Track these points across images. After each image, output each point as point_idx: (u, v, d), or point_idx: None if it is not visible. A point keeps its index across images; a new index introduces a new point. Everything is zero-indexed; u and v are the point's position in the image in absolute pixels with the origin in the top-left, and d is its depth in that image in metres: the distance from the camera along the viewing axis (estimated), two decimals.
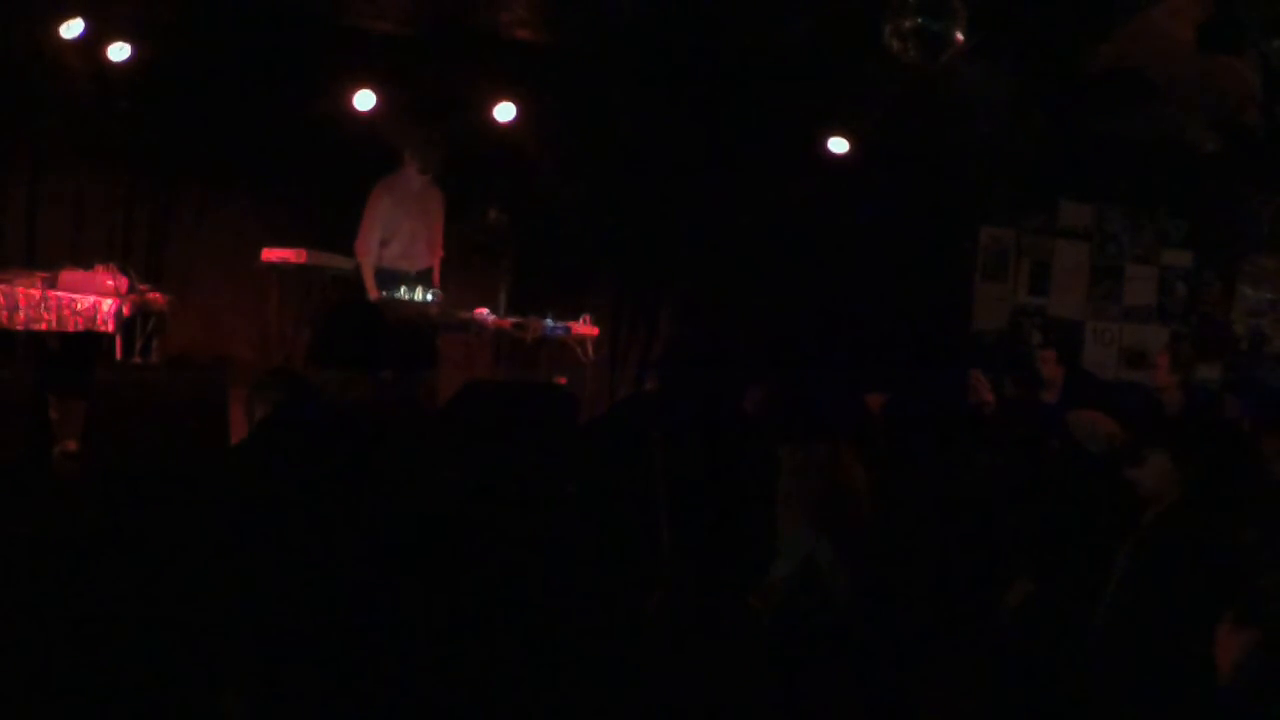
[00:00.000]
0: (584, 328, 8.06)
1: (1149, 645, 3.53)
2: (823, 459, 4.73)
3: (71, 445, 6.00)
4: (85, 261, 7.12)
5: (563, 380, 7.83)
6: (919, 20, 5.81)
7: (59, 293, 6.71)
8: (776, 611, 4.60)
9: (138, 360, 7.03)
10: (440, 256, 7.97)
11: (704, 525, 4.54)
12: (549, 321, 7.82)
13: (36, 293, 6.63)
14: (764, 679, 4.19)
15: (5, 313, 6.52)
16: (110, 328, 6.74)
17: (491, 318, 7.77)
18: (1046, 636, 4.18)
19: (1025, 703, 3.97)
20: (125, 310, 6.81)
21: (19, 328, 6.58)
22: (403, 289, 7.34)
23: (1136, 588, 3.66)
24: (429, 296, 7.42)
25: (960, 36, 5.81)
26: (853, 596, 4.62)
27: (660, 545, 4.55)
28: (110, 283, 6.85)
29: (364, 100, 8.13)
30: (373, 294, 7.37)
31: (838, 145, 8.71)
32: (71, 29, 7.39)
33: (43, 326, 6.64)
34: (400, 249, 7.67)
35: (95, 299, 6.74)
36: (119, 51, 7.64)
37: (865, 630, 4.50)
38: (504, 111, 8.42)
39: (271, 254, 7.49)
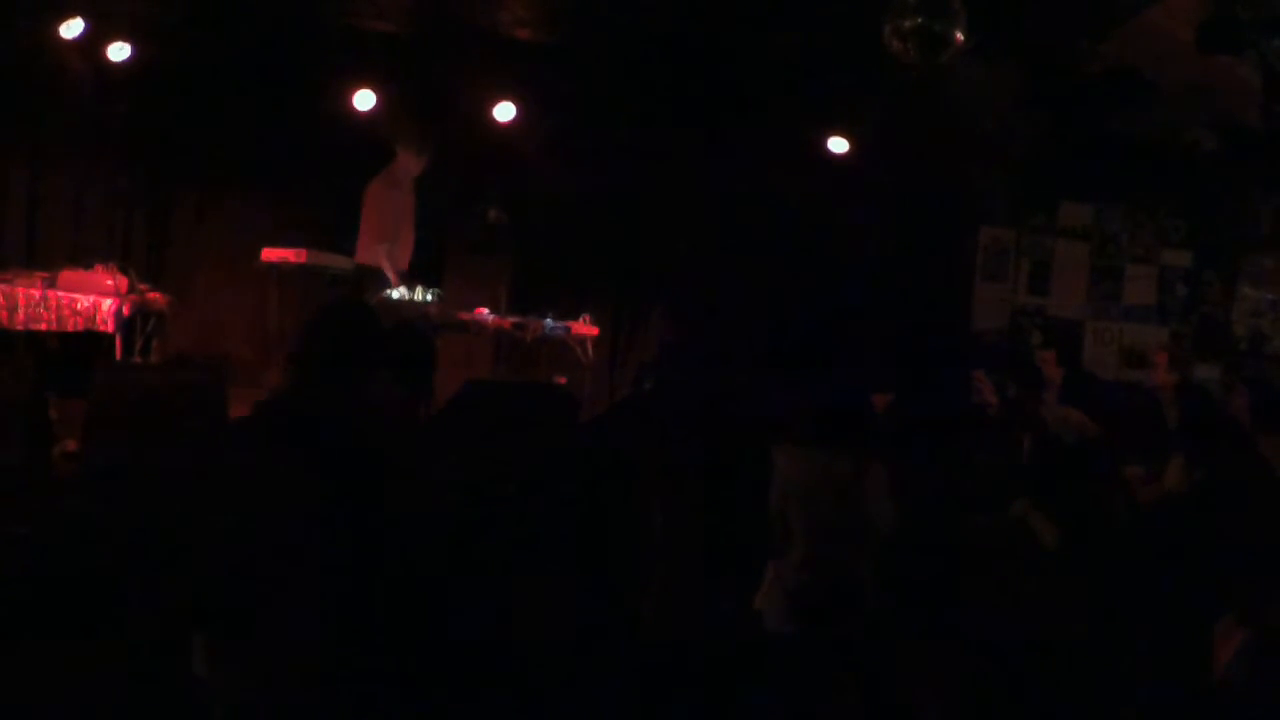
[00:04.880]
0: (584, 328, 8.05)
1: (1145, 639, 3.53)
2: (828, 461, 4.72)
3: (71, 445, 6.00)
4: (85, 261, 7.12)
5: (563, 380, 7.83)
6: (919, 20, 5.80)
7: (59, 293, 6.71)
8: (782, 614, 4.60)
9: (138, 360, 7.03)
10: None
11: (701, 525, 4.53)
12: (549, 321, 7.81)
13: (36, 293, 6.63)
14: (761, 680, 4.19)
15: (5, 313, 6.52)
16: (110, 328, 6.74)
17: (491, 318, 7.77)
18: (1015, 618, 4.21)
19: (1020, 695, 3.97)
20: (125, 310, 6.81)
21: (19, 328, 6.59)
22: (402, 289, 7.33)
23: (1135, 583, 3.66)
24: (429, 296, 7.41)
25: (960, 36, 5.80)
26: (861, 597, 4.61)
27: (657, 545, 4.55)
28: (110, 283, 6.85)
29: (364, 100, 8.13)
30: (395, 283, 7.35)
31: (838, 145, 8.71)
32: (71, 29, 7.39)
33: (43, 326, 6.64)
34: (394, 247, 7.66)
35: (95, 299, 6.74)
36: (119, 51, 7.64)
37: (873, 631, 4.50)
38: (504, 111, 8.42)
39: (271, 254, 7.49)
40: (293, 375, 2.89)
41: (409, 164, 7.58)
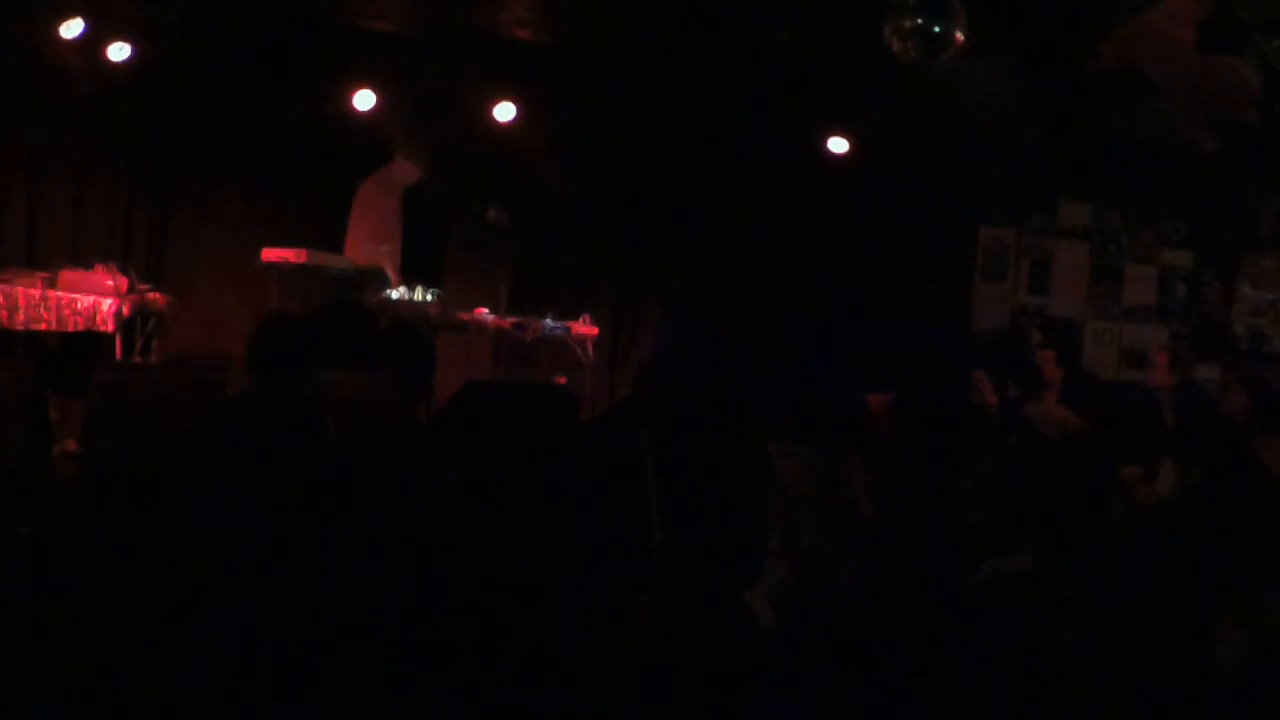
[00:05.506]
0: (584, 328, 8.06)
1: (1144, 640, 3.53)
2: (826, 460, 4.73)
3: (71, 445, 6.01)
4: (85, 261, 7.12)
5: (563, 380, 7.84)
6: (919, 20, 5.80)
7: (59, 293, 6.72)
8: (778, 611, 4.61)
9: (138, 360, 7.03)
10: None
11: (698, 524, 4.55)
12: (549, 321, 7.82)
13: (36, 293, 6.63)
14: (758, 677, 4.19)
15: (5, 313, 6.52)
16: (110, 328, 6.74)
17: (491, 318, 7.77)
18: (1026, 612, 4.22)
19: (1020, 694, 3.97)
20: (125, 310, 6.82)
21: (19, 328, 6.58)
22: (402, 289, 7.35)
23: (1133, 582, 3.66)
24: (429, 296, 7.42)
25: (960, 36, 5.80)
26: (855, 596, 4.62)
27: (655, 544, 4.56)
28: (110, 283, 6.85)
29: (364, 100, 8.14)
30: (396, 282, 7.37)
31: (838, 145, 8.70)
32: (71, 29, 7.39)
33: (43, 326, 6.64)
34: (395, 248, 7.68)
35: (95, 299, 6.74)
36: (119, 51, 7.64)
37: (867, 629, 4.51)
38: (504, 111, 8.42)
39: (271, 254, 7.49)
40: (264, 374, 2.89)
41: (405, 171, 7.62)
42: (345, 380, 4.80)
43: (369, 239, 7.55)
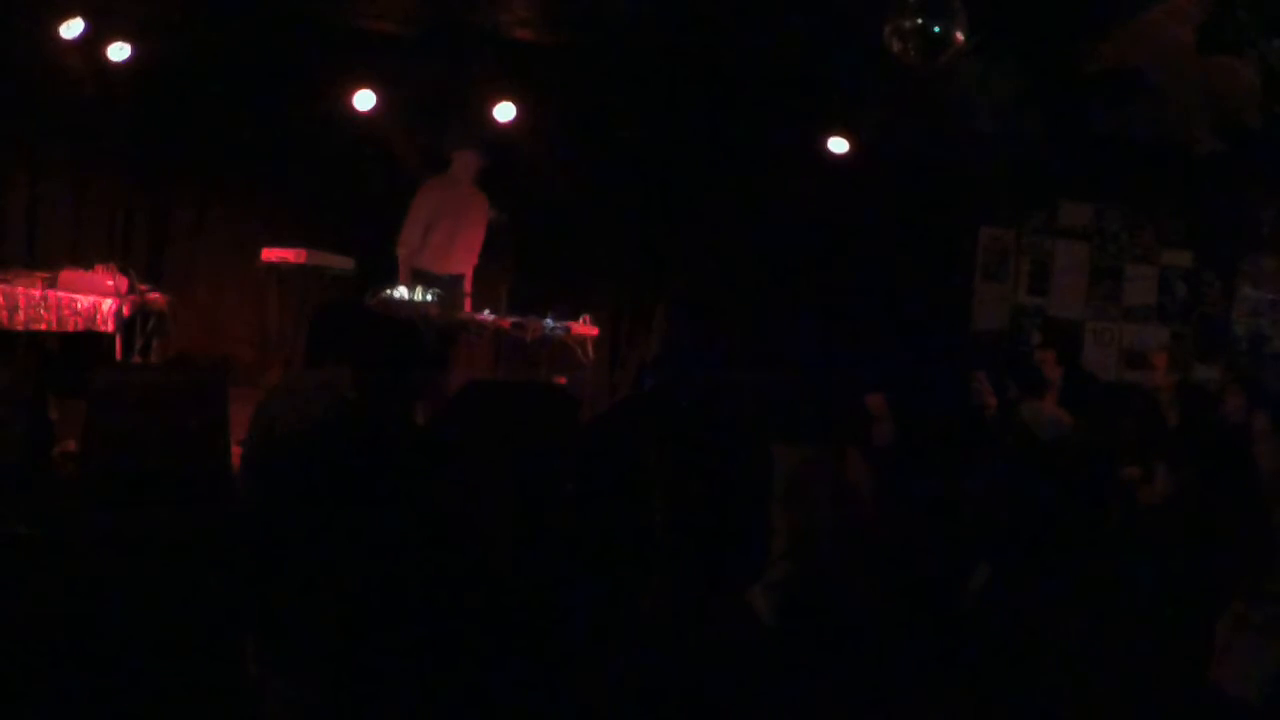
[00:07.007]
0: (584, 328, 8.05)
1: (1142, 642, 3.53)
2: (826, 459, 4.74)
3: (71, 445, 6.01)
4: (85, 261, 7.12)
5: (563, 380, 7.83)
6: (919, 20, 5.80)
7: (59, 293, 6.71)
8: (778, 610, 4.61)
9: (138, 360, 7.02)
10: (474, 263, 7.99)
11: (701, 524, 4.55)
12: (549, 321, 7.81)
13: (36, 293, 6.62)
14: (761, 676, 4.20)
15: (5, 313, 6.51)
16: (110, 328, 6.73)
17: (491, 318, 7.77)
18: (1012, 620, 4.22)
19: (1019, 695, 3.98)
20: (125, 310, 6.81)
21: (19, 328, 6.57)
22: (401, 289, 7.34)
23: (1132, 584, 3.67)
24: (429, 297, 7.41)
25: (960, 36, 5.80)
26: (855, 595, 4.63)
27: (657, 544, 4.56)
28: (110, 283, 6.84)
29: (364, 100, 8.14)
30: (405, 288, 7.39)
31: (838, 145, 8.71)
32: (71, 29, 7.39)
33: (43, 326, 6.63)
34: (436, 250, 7.67)
35: (95, 299, 6.73)
36: (119, 51, 7.65)
37: (867, 628, 4.51)
38: (504, 111, 8.42)
39: (271, 254, 7.48)
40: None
41: (470, 161, 7.65)
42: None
43: (402, 240, 7.58)
